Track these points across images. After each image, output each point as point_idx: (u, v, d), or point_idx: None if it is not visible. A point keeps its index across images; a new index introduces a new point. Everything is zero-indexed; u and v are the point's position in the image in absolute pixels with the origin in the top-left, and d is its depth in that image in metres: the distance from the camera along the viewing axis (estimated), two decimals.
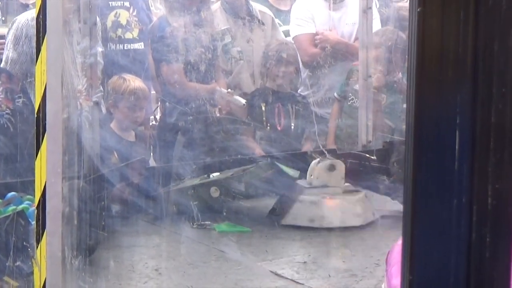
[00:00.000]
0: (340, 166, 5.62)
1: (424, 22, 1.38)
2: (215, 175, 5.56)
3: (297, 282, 4.58)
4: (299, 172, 5.82)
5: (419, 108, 1.38)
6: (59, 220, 3.53)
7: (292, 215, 5.45)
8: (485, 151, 1.37)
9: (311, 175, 5.61)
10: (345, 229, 5.35)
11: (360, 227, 5.39)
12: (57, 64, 3.54)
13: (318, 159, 5.67)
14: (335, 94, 6.59)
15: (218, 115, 6.13)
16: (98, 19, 5.66)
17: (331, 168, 5.58)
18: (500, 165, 1.37)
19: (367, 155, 6.07)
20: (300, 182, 5.68)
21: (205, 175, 5.52)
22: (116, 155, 5.49)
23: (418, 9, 1.38)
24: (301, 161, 5.92)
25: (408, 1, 1.43)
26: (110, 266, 4.60)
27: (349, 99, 6.51)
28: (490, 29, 1.37)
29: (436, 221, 1.37)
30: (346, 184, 5.64)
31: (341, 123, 6.53)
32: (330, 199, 5.49)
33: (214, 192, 5.32)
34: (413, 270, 1.37)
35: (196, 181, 5.51)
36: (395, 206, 5.56)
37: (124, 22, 6.19)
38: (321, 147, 6.06)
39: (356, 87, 6.43)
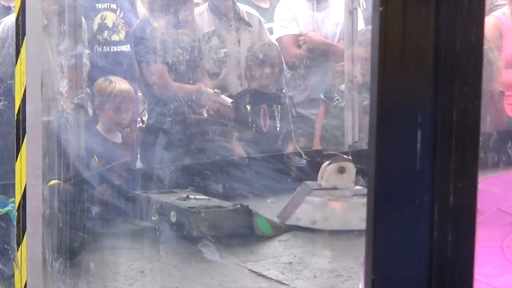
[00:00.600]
0: (351, 168, 5.53)
1: (386, 22, 1.38)
2: (197, 197, 5.44)
3: (283, 283, 4.58)
4: (275, 229, 5.34)
5: (381, 108, 1.38)
6: (40, 222, 3.53)
7: (296, 216, 5.42)
8: (447, 150, 1.36)
9: (321, 177, 5.55)
10: (343, 232, 5.31)
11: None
12: (37, 66, 3.53)
13: (329, 161, 5.57)
14: (321, 95, 6.57)
15: (205, 115, 6.11)
16: (83, 21, 5.65)
17: (341, 170, 5.51)
18: (462, 164, 1.37)
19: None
20: (309, 183, 5.58)
21: (185, 195, 5.42)
22: (96, 158, 5.45)
23: (380, 9, 1.38)
24: (281, 163, 5.89)
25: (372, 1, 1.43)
26: (91, 268, 4.59)
27: (335, 99, 6.50)
28: (451, 28, 1.37)
29: (398, 220, 1.37)
30: (358, 187, 5.47)
31: (326, 124, 6.51)
32: (336, 201, 5.44)
33: (173, 217, 5.26)
34: (375, 269, 1.37)
35: (172, 196, 5.41)
36: None
37: (110, 24, 6.17)
38: (298, 149, 6.01)
39: (342, 87, 6.42)
